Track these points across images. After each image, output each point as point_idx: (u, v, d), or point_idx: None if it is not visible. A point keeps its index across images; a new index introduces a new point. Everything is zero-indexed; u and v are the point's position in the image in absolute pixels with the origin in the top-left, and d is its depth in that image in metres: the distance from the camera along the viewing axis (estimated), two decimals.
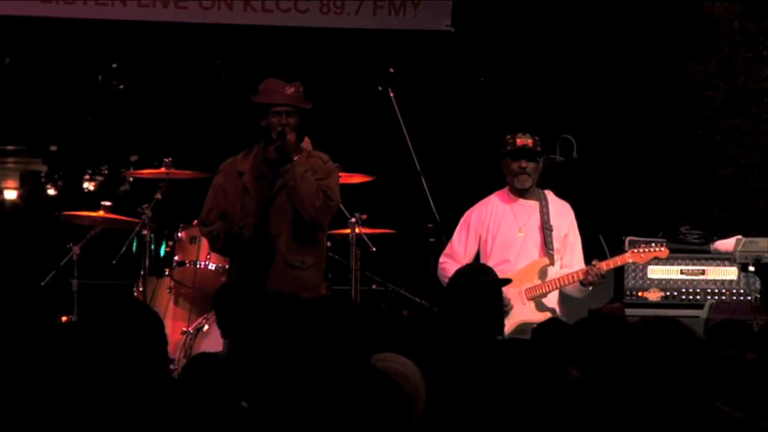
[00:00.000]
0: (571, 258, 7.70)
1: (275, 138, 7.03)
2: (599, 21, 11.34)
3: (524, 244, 7.66)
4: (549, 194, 7.80)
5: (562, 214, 7.77)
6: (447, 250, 7.85)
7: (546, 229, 7.65)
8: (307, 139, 8.34)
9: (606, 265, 7.59)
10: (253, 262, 7.00)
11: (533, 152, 7.66)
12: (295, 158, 7.05)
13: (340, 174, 7.41)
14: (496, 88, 11.78)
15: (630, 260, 7.76)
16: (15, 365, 4.07)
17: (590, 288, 7.58)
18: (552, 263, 7.60)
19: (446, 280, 7.74)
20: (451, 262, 7.71)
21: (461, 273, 6.37)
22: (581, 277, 7.51)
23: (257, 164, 7.16)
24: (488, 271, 6.48)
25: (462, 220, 7.87)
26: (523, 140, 7.68)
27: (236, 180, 7.17)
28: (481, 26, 11.65)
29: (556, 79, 11.45)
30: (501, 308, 6.31)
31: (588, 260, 7.72)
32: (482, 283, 6.19)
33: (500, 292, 6.32)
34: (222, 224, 7.13)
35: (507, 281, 6.53)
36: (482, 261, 7.74)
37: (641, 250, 7.75)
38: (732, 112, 10.80)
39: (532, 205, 7.72)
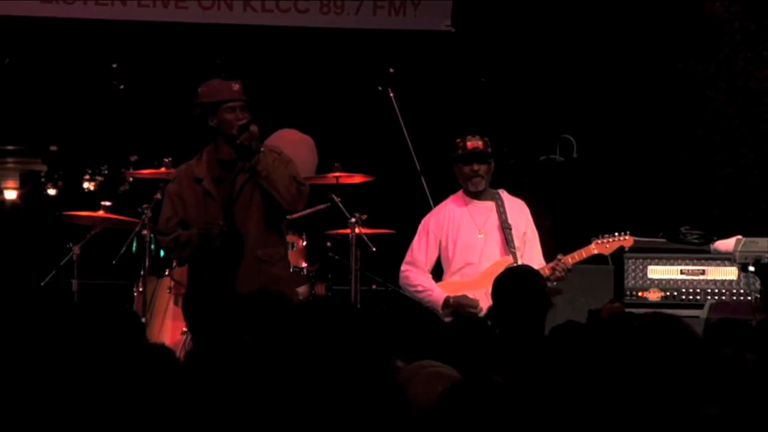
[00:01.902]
0: (530, 254, 7.73)
1: (236, 133, 6.97)
2: (599, 21, 11.33)
3: (485, 246, 7.69)
4: (503, 193, 7.84)
5: (519, 212, 7.81)
6: (408, 257, 7.85)
7: (505, 228, 7.68)
8: (311, 140, 8.35)
9: (571, 258, 7.61)
10: (224, 261, 6.98)
11: (484, 154, 7.69)
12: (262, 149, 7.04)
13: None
14: (496, 88, 11.77)
15: (595, 251, 7.75)
16: (15, 365, 4.07)
17: (555, 283, 7.59)
18: (515, 262, 7.60)
19: (410, 288, 7.80)
20: (413, 269, 7.76)
21: (511, 272, 6.20)
22: (548, 273, 7.51)
23: (213, 167, 7.12)
24: (540, 276, 6.43)
25: (420, 227, 7.89)
26: (473, 143, 7.71)
27: (194, 186, 7.11)
28: (481, 26, 11.65)
29: (556, 79, 11.45)
30: (545, 312, 6.11)
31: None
32: (538, 286, 6.05)
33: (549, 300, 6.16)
34: (194, 230, 7.06)
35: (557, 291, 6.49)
36: (444, 265, 7.80)
37: (605, 241, 7.75)
38: (732, 112, 10.80)
39: (489, 206, 7.76)
